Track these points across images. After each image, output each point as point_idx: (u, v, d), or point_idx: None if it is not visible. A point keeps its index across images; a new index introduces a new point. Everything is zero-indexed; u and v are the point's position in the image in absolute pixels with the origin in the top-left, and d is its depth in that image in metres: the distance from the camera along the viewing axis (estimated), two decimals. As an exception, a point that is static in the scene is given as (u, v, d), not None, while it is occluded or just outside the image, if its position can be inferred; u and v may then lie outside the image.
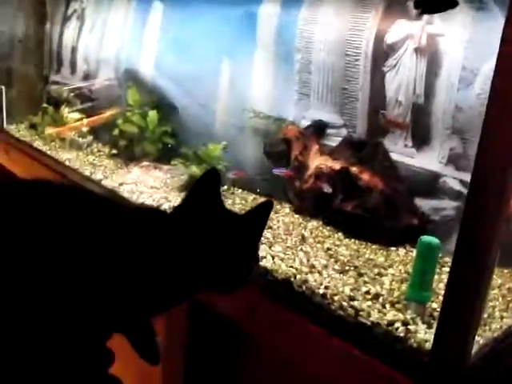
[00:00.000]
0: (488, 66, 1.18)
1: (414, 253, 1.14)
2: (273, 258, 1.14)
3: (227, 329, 1.16)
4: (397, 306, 0.98)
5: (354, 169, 1.35)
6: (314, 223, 1.38)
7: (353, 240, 1.29)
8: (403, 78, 1.35)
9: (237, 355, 1.22)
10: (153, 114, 1.84)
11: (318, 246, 1.24)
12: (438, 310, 0.90)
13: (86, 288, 0.70)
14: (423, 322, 0.92)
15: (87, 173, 1.71)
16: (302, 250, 1.21)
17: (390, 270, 1.13)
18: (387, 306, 0.98)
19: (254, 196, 1.59)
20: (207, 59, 1.78)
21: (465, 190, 1.22)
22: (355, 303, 0.97)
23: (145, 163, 1.81)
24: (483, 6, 1.22)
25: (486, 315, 0.96)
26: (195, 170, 1.57)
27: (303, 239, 1.27)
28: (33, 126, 2.21)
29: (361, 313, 0.94)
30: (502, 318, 0.99)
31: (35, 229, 0.70)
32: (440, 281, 1.05)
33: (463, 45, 1.25)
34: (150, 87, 1.94)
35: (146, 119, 1.84)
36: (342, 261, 1.16)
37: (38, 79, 2.46)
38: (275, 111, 1.62)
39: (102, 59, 2.21)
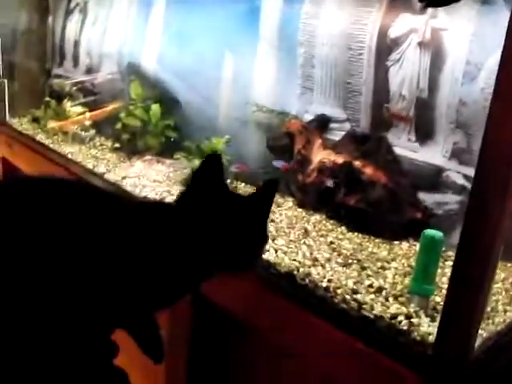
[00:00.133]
0: (492, 60, 1.18)
1: (417, 247, 1.14)
2: (276, 251, 1.14)
3: (230, 323, 1.16)
4: (400, 299, 0.98)
5: (357, 163, 1.35)
6: (316, 217, 1.38)
7: (356, 234, 1.29)
8: (407, 72, 1.35)
9: (239, 349, 1.22)
10: (155, 108, 1.84)
11: (321, 239, 1.24)
12: (441, 303, 0.90)
13: (98, 280, 0.71)
14: (426, 316, 0.92)
15: (90, 166, 1.71)
16: (305, 243, 1.21)
17: (393, 264, 1.13)
18: (390, 299, 0.98)
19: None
20: (210, 53, 1.78)
21: (468, 184, 1.22)
22: (358, 296, 0.97)
23: (147, 157, 1.81)
24: (488, -1, 1.22)
25: (489, 309, 0.96)
26: (198, 163, 1.56)
27: (306, 233, 1.27)
28: (35, 120, 2.21)
29: (364, 306, 0.95)
30: (505, 311, 0.99)
31: (42, 224, 0.70)
32: (443, 274, 1.05)
33: (468, 39, 1.24)
34: (153, 81, 1.94)
35: (149, 113, 1.84)
36: (344, 254, 1.16)
37: (40, 73, 2.46)
38: (278, 105, 1.62)
39: (105, 53, 2.21)
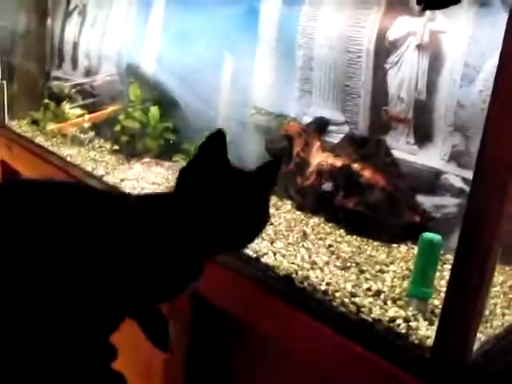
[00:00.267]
0: (491, 63, 1.18)
1: (415, 250, 1.14)
2: (274, 254, 1.14)
3: (229, 325, 1.16)
4: (398, 302, 0.98)
5: (355, 166, 1.35)
6: (315, 220, 1.38)
7: (354, 237, 1.29)
8: (405, 75, 1.35)
9: (238, 351, 1.22)
10: (154, 110, 1.84)
11: (320, 242, 1.24)
12: (440, 306, 0.90)
13: (114, 271, 0.72)
14: (425, 319, 0.92)
15: (89, 169, 1.71)
16: (303, 246, 1.21)
17: (392, 267, 1.13)
18: (389, 302, 0.98)
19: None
20: (209, 55, 1.78)
21: (467, 187, 1.22)
22: (357, 300, 0.97)
23: (146, 159, 1.81)
24: (486, 1, 1.22)
25: (487, 312, 0.96)
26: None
27: (305, 236, 1.27)
28: (34, 122, 2.20)
29: (362, 309, 0.95)
30: (503, 315, 0.99)
31: (43, 224, 0.70)
32: (441, 278, 1.05)
33: (466, 41, 1.25)
34: (152, 83, 1.94)
35: (148, 115, 1.84)
36: (343, 257, 1.16)
37: (39, 75, 2.46)
38: (277, 108, 1.62)
39: (104, 55, 2.21)
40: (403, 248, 1.25)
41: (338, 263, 1.13)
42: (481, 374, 0.81)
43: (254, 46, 1.68)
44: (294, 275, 1.06)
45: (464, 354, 0.78)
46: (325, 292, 1.00)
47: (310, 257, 1.15)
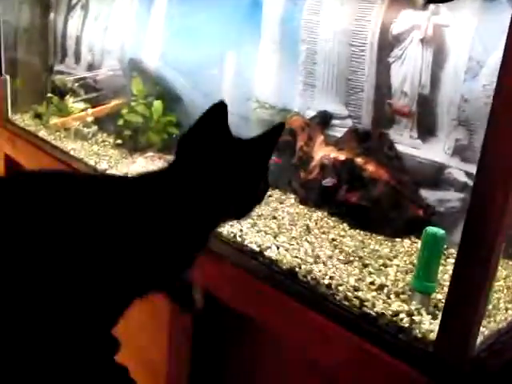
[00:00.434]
0: (494, 57, 1.18)
1: (418, 244, 1.14)
2: (278, 248, 1.15)
3: (232, 319, 1.17)
4: (402, 296, 0.98)
5: (358, 160, 1.35)
6: (318, 214, 1.38)
7: (358, 231, 1.29)
8: (409, 69, 1.35)
9: (241, 345, 1.23)
10: (157, 104, 1.84)
11: (323, 236, 1.24)
12: (443, 300, 0.90)
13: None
14: (428, 313, 0.92)
15: (92, 163, 1.71)
16: (306, 240, 1.21)
17: (395, 261, 1.13)
18: (392, 296, 0.98)
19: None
20: (212, 49, 1.78)
21: (470, 182, 1.21)
22: (360, 294, 0.97)
23: (149, 154, 1.81)
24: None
25: (490, 306, 0.96)
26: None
27: (308, 230, 1.27)
28: (38, 116, 2.21)
29: (365, 303, 0.95)
30: (506, 309, 0.99)
31: (46, 212, 0.70)
32: (445, 272, 1.05)
33: (470, 35, 1.24)
34: (155, 77, 1.93)
35: (151, 109, 1.84)
36: (346, 251, 1.16)
37: (42, 69, 2.45)
38: (280, 102, 1.62)
39: (107, 49, 2.21)
40: (407, 242, 1.25)
41: (341, 257, 1.13)
42: (484, 369, 0.81)
43: (257, 40, 1.67)
44: (297, 269, 1.06)
45: (467, 349, 0.78)
46: (328, 286, 1.00)
47: (313, 251, 1.15)
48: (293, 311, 0.99)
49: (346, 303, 0.96)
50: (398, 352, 0.85)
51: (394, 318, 0.91)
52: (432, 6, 1.30)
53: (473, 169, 1.14)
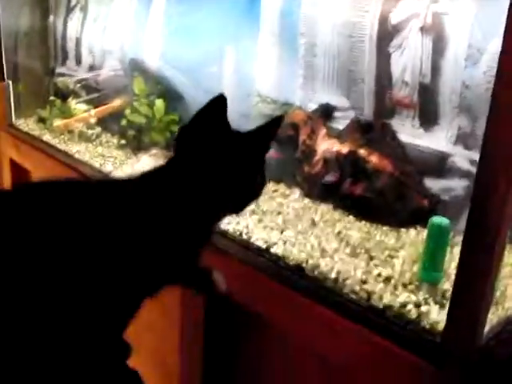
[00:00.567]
0: (495, 43, 1.17)
1: (424, 233, 1.14)
2: (284, 243, 1.15)
3: (242, 315, 1.17)
4: (409, 287, 0.98)
5: (362, 151, 1.35)
6: (323, 207, 1.38)
7: (363, 222, 1.29)
8: (409, 58, 1.34)
9: (251, 341, 1.24)
10: (159, 103, 1.84)
11: (329, 229, 1.24)
12: (451, 290, 0.90)
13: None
14: (435, 303, 0.93)
15: (97, 165, 1.72)
16: (312, 234, 1.21)
17: (401, 252, 1.14)
18: (399, 287, 0.98)
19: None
20: (212, 46, 1.77)
21: (474, 169, 1.21)
22: (367, 286, 0.98)
23: (154, 151, 1.82)
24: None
25: (498, 293, 0.96)
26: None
27: (314, 224, 1.27)
28: (41, 120, 2.21)
29: (373, 296, 0.95)
30: (514, 296, 0.99)
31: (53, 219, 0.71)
32: (452, 260, 1.05)
33: (469, 22, 1.23)
34: (156, 76, 1.93)
35: (153, 108, 1.85)
36: (352, 244, 1.16)
37: (44, 72, 2.46)
38: (281, 96, 1.61)
39: (107, 49, 2.21)
40: (412, 232, 1.25)
41: (347, 250, 1.13)
42: (492, 358, 0.81)
43: (257, 34, 1.67)
44: (304, 264, 1.06)
45: (474, 338, 0.78)
46: (335, 280, 1.01)
47: (319, 245, 1.15)
48: (300, 306, 1.00)
49: (354, 296, 0.97)
50: (406, 343, 0.85)
51: (402, 310, 0.91)
52: (430, -6, 1.29)
53: (476, 156, 1.12)
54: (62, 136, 2.04)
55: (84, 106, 2.13)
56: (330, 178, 1.36)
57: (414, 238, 1.22)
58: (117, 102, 2.05)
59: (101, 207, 0.74)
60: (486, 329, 0.81)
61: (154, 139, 1.84)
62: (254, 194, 0.87)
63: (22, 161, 2.05)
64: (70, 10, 2.42)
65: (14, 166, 2.10)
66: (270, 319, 1.07)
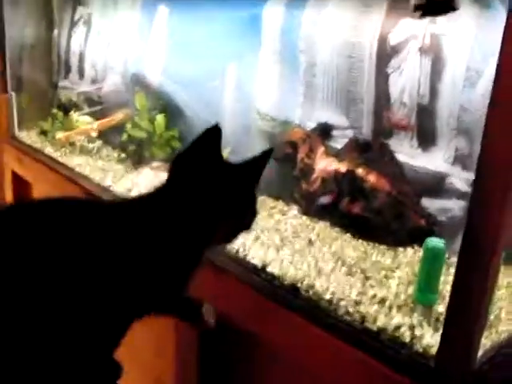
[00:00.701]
0: (493, 66, 1.18)
1: (421, 253, 1.14)
2: (281, 261, 1.15)
3: (236, 333, 1.17)
4: (403, 309, 0.98)
5: (360, 170, 1.36)
6: (321, 225, 1.39)
7: (360, 241, 1.30)
8: (408, 79, 1.35)
9: (246, 360, 1.23)
10: (160, 119, 1.86)
11: (325, 249, 1.24)
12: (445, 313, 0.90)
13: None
14: (429, 325, 0.93)
15: (97, 179, 1.73)
16: (309, 253, 1.21)
17: (397, 272, 1.14)
18: (394, 309, 0.98)
19: (262, 197, 1.59)
20: (213, 63, 1.79)
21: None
22: (361, 308, 0.98)
23: (155, 164, 1.82)
24: (488, 4, 1.22)
25: (492, 317, 0.96)
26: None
27: (311, 242, 1.28)
28: (43, 133, 2.23)
29: (368, 317, 0.95)
30: (508, 319, 0.98)
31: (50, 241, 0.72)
32: (447, 282, 1.05)
33: (468, 44, 1.24)
34: (157, 91, 1.95)
35: (154, 124, 1.86)
36: (348, 263, 1.17)
37: (47, 85, 2.48)
38: (281, 114, 1.62)
39: (110, 64, 2.23)
40: (409, 251, 1.26)
41: (343, 270, 1.13)
42: (485, 381, 0.81)
43: (257, 52, 1.68)
44: (299, 284, 1.06)
45: (468, 362, 0.78)
46: (330, 301, 1.01)
47: (316, 264, 1.15)
48: (295, 326, 1.00)
49: (348, 318, 0.96)
50: (399, 366, 0.85)
51: (396, 332, 0.91)
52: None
53: (473, 177, 1.13)
54: (64, 149, 2.05)
55: (86, 120, 2.15)
56: (324, 199, 1.36)
57: (411, 257, 1.22)
58: (118, 116, 2.06)
59: (89, 229, 0.75)
60: (480, 352, 0.81)
61: (155, 154, 1.85)
62: (243, 225, 0.88)
63: (23, 173, 2.06)
64: (73, 24, 2.44)
65: (16, 178, 2.11)
66: (264, 338, 1.07)
